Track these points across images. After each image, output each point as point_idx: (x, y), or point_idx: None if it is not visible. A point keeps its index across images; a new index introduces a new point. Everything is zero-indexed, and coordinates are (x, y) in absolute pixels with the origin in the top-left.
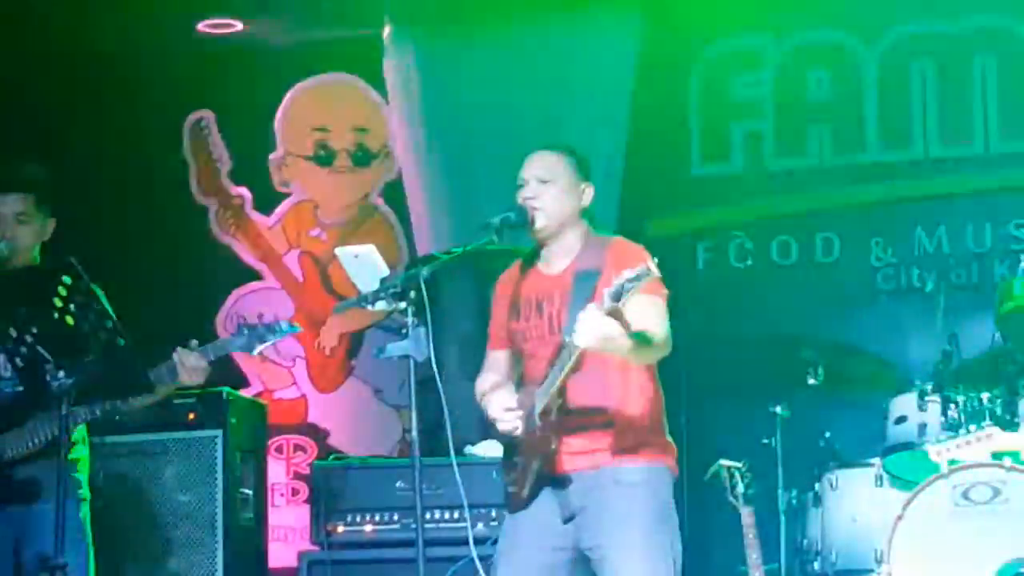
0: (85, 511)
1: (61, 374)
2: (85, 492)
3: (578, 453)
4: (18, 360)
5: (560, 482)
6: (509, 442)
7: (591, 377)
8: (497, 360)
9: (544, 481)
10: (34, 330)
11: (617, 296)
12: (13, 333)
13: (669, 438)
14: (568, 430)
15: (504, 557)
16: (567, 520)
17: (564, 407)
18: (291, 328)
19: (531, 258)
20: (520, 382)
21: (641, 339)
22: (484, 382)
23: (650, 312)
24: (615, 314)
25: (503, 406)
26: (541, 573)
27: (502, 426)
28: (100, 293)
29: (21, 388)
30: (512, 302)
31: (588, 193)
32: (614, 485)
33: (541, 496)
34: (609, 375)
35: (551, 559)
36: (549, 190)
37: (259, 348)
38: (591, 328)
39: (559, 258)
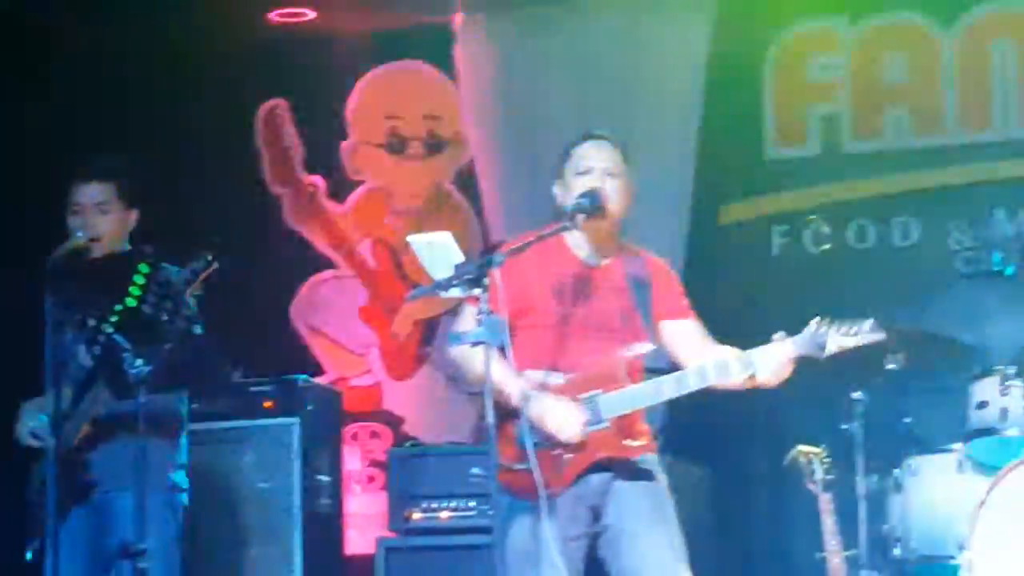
0: (176, 499)
1: (139, 362)
2: (179, 480)
3: (617, 448)
4: (97, 348)
5: (593, 474)
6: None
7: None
8: (502, 327)
9: (586, 472)
10: (112, 318)
11: (820, 348)
12: (92, 322)
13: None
14: (624, 430)
15: (530, 551)
16: (592, 513)
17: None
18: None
19: (561, 240)
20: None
21: None
22: (501, 368)
23: None
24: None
25: (579, 419)
26: (573, 565)
27: (565, 437)
28: (177, 280)
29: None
30: (552, 281)
31: (632, 194)
32: (635, 471)
33: (574, 489)
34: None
35: (572, 548)
36: (615, 183)
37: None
38: (780, 372)
39: (598, 253)
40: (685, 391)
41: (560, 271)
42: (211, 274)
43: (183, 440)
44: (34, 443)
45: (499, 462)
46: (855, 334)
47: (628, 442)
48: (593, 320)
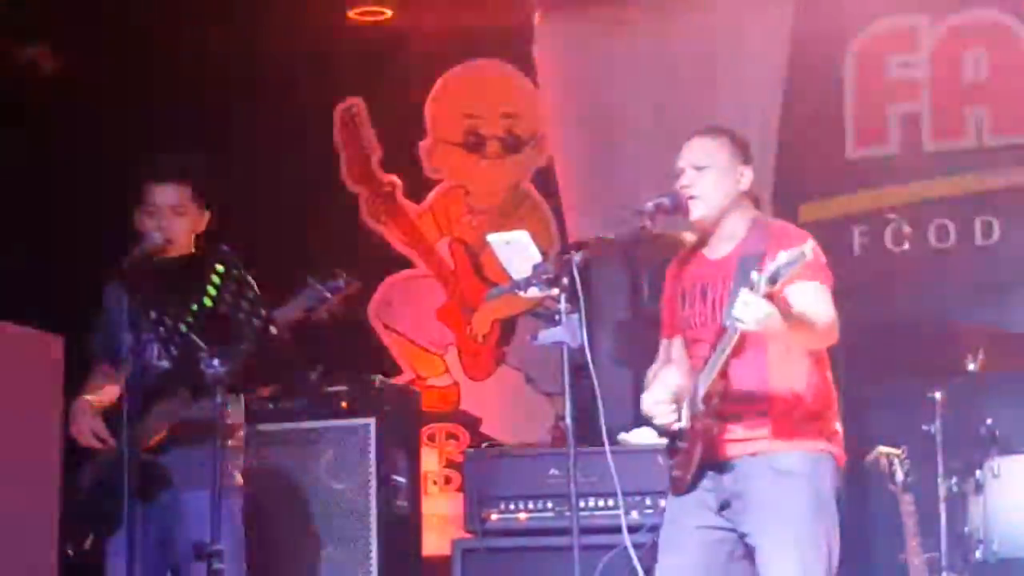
0: (240, 499)
1: (215, 362)
2: (238, 480)
3: (737, 440)
4: (173, 348)
5: (719, 468)
6: (672, 431)
7: (751, 363)
8: (667, 349)
9: (705, 466)
10: (188, 318)
11: (773, 279)
12: (168, 322)
13: (838, 426)
14: (728, 415)
15: (668, 538)
16: (722, 508)
17: (726, 392)
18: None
19: (697, 244)
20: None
21: (801, 322)
22: (649, 372)
23: (812, 296)
24: (773, 297)
25: (654, 400)
26: (703, 551)
27: (657, 420)
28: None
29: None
30: (680, 289)
31: (747, 176)
32: (770, 472)
33: (702, 480)
34: (770, 361)
35: (711, 537)
36: (706, 176)
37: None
38: (749, 311)
39: (723, 243)
40: (732, 337)
41: (687, 274)
42: (351, 296)
43: (242, 440)
44: (95, 443)
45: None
46: (790, 253)
47: (744, 432)
48: (708, 315)
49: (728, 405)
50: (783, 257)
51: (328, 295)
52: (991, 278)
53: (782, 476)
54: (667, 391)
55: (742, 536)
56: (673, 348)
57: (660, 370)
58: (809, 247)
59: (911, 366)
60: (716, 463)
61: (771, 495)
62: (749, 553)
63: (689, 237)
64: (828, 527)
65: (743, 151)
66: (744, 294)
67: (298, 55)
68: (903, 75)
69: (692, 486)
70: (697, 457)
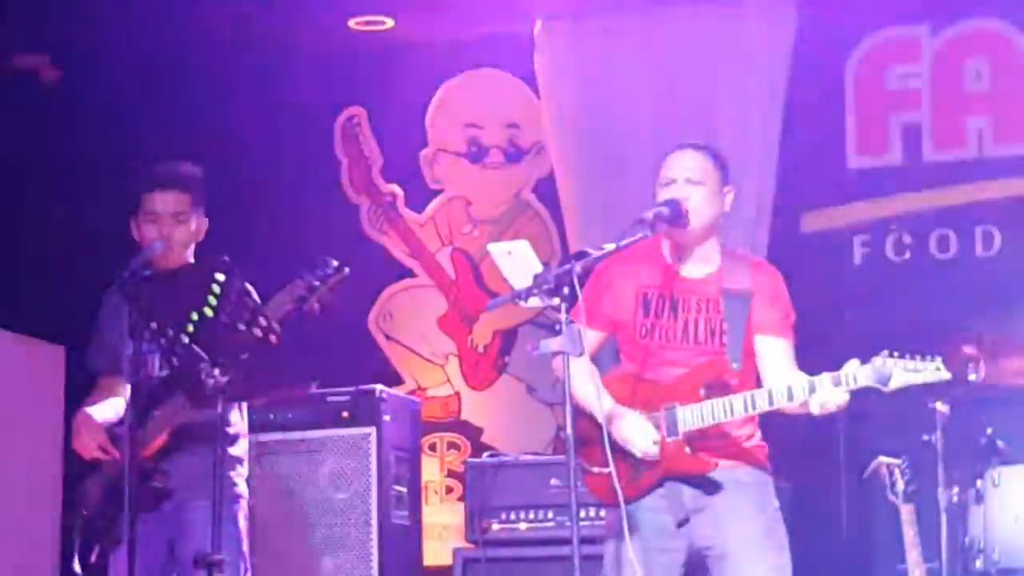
0: (241, 509)
1: (217, 372)
2: (242, 489)
3: (700, 462)
4: (174, 359)
5: (677, 486)
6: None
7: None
8: (591, 341)
9: (660, 483)
10: (189, 328)
11: (883, 382)
12: (169, 332)
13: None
14: (698, 439)
15: (621, 555)
16: (681, 524)
17: (713, 429)
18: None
19: (655, 250)
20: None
21: None
22: (587, 380)
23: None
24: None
25: (651, 438)
26: (662, 573)
27: (639, 451)
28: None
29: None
30: (639, 292)
31: (729, 198)
32: (731, 483)
33: (655, 500)
34: None
35: (666, 560)
36: (699, 191)
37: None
38: (836, 402)
39: (696, 263)
40: (753, 411)
41: (650, 283)
42: (340, 282)
43: (245, 449)
44: (100, 456)
45: (584, 466)
46: (921, 371)
47: (714, 460)
48: (678, 333)
49: (701, 432)
50: (905, 376)
51: (317, 283)
52: (992, 288)
53: (742, 487)
54: (654, 432)
55: (701, 551)
56: (593, 340)
57: (599, 383)
58: (943, 369)
59: None
60: (675, 481)
61: (735, 503)
62: (701, 569)
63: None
64: (785, 536)
65: (727, 171)
66: (839, 392)
67: (299, 64)
68: (904, 85)
69: (640, 499)
70: (655, 476)
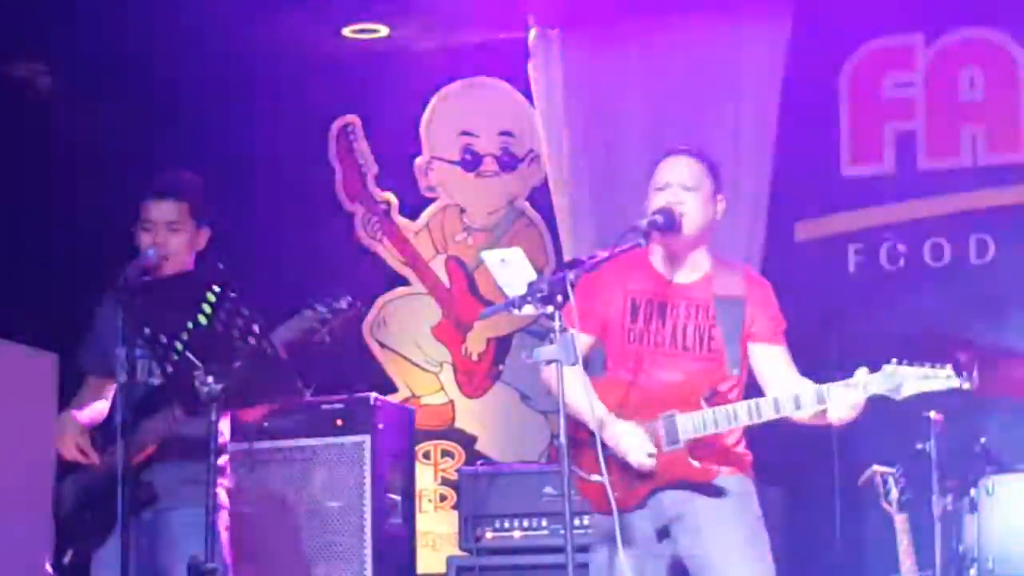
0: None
1: (210, 379)
2: (223, 499)
3: (688, 470)
4: (168, 366)
5: (659, 494)
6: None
7: None
8: (585, 346)
9: (657, 491)
10: (184, 336)
11: (897, 391)
12: (163, 339)
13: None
14: (697, 452)
15: (612, 563)
16: (660, 533)
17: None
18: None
19: (644, 258)
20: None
21: None
22: (579, 387)
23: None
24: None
25: (647, 451)
26: None
27: (635, 462)
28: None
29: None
30: (627, 297)
31: (722, 207)
32: (712, 490)
33: (642, 509)
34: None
35: (654, 565)
36: (693, 197)
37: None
38: (852, 412)
39: (686, 269)
40: (758, 420)
41: (639, 288)
42: (354, 317)
43: (226, 458)
44: (80, 458)
45: (581, 475)
46: (932, 379)
47: (715, 467)
48: (667, 338)
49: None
50: (917, 384)
51: (329, 316)
52: (986, 296)
53: (722, 494)
54: (650, 445)
55: (685, 558)
56: (581, 344)
57: (592, 391)
58: (953, 376)
59: None
60: (669, 487)
61: (715, 510)
62: None
63: None
64: (767, 543)
65: (719, 179)
66: (855, 396)
67: (294, 72)
68: (898, 94)
69: (634, 510)
70: (652, 484)
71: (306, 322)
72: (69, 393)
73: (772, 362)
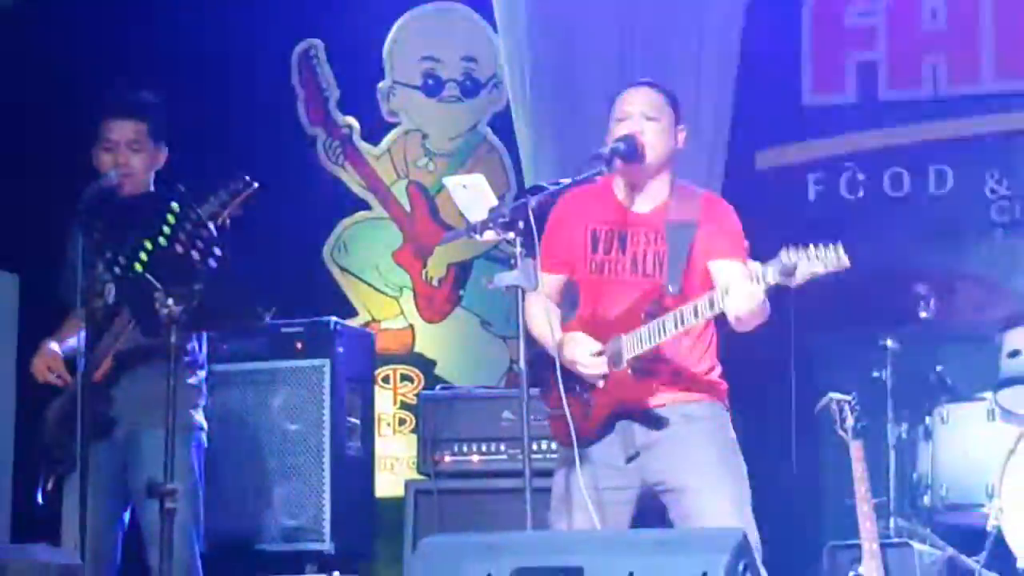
0: (198, 439)
1: (170, 301)
2: (199, 419)
3: (649, 394)
4: (127, 287)
5: (627, 420)
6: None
7: (688, 331)
8: (550, 285)
9: (612, 418)
10: (143, 257)
11: (789, 273)
12: (123, 260)
13: (721, 378)
14: (646, 371)
15: (571, 494)
16: (630, 459)
17: (654, 354)
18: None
19: (607, 188)
20: (581, 314)
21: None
22: (536, 309)
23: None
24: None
25: (591, 351)
26: (610, 512)
27: (587, 371)
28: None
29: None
30: (587, 228)
31: (682, 136)
32: (682, 419)
33: (607, 434)
34: (698, 329)
35: (617, 498)
36: (654, 126)
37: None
38: (750, 301)
39: (646, 198)
40: (684, 326)
41: (599, 219)
42: (249, 196)
43: (203, 379)
44: (51, 378)
45: (546, 409)
46: (822, 259)
47: (657, 387)
48: (627, 267)
49: (648, 363)
50: (810, 264)
51: (227, 199)
52: (944, 226)
53: (694, 421)
54: (595, 344)
55: (654, 487)
56: (552, 284)
57: (554, 318)
58: (843, 255)
59: (863, 313)
60: (624, 415)
61: (686, 437)
62: (654, 506)
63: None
64: (743, 466)
65: (679, 109)
66: (750, 287)
67: None
68: (861, 23)
69: (595, 439)
70: (605, 409)
71: (209, 207)
72: (31, 314)
73: (727, 276)
